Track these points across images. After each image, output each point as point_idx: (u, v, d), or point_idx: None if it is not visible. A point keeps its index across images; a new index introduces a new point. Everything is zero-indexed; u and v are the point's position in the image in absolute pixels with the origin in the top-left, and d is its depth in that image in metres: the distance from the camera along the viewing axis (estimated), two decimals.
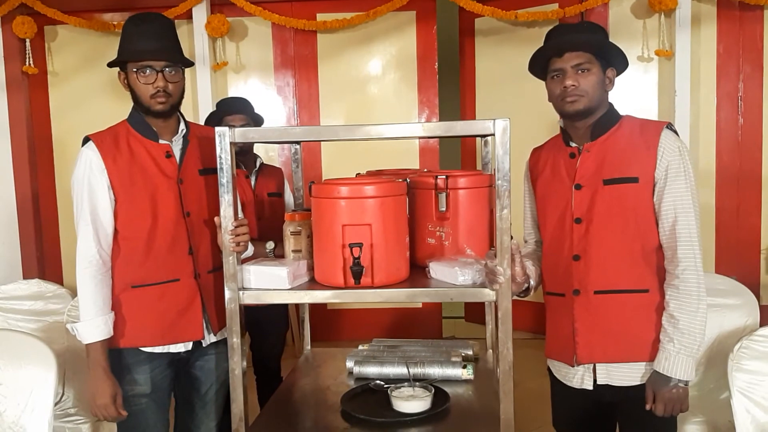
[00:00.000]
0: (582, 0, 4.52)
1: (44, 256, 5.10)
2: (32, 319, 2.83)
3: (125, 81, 2.03)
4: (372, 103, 4.97)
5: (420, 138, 4.35)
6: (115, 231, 2.01)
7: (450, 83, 5.49)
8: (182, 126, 2.11)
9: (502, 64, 5.01)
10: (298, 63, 4.97)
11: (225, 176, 1.81)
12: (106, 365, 1.98)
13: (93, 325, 1.96)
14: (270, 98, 4.98)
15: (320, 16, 4.85)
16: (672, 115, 4.40)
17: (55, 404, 2.56)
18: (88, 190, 1.98)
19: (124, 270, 2.03)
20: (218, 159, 1.80)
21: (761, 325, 2.62)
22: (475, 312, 5.38)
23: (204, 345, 2.14)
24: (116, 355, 2.03)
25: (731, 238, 4.59)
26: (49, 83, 5.01)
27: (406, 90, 4.93)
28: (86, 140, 2.02)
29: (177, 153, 2.08)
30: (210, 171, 2.14)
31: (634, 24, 4.56)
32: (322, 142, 4.84)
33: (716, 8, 4.47)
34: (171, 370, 2.12)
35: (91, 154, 1.99)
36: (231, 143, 1.80)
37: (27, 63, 4.85)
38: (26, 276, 4.97)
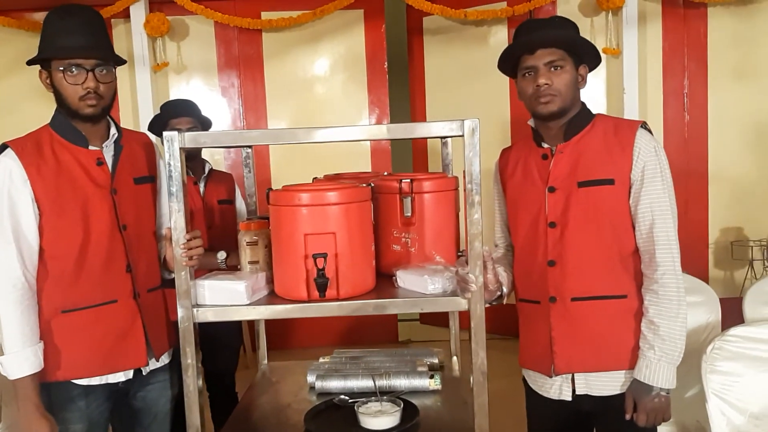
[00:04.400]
0: None
1: None
2: None
3: (48, 81, 1.83)
4: (321, 103, 4.85)
5: (387, 140, 4.27)
6: (41, 249, 1.80)
7: (399, 83, 5.42)
8: (113, 130, 1.92)
9: (451, 63, 4.97)
10: (243, 63, 4.82)
11: (175, 184, 1.67)
12: (38, 401, 1.77)
13: (21, 357, 1.73)
14: (214, 100, 4.81)
15: (265, 15, 4.72)
16: (621, 113, 4.44)
17: None
18: (8, 205, 1.75)
19: (53, 293, 1.81)
20: (167, 165, 1.66)
21: (722, 320, 2.62)
22: (430, 314, 5.32)
23: (144, 373, 1.96)
24: (47, 391, 1.81)
25: (680, 234, 4.61)
26: None
27: (355, 90, 4.84)
28: (3, 148, 1.80)
29: (109, 160, 1.89)
30: (146, 179, 1.98)
31: (582, 22, 4.57)
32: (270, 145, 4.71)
33: (661, 6, 4.53)
34: (109, 402, 1.92)
35: (10, 164, 1.76)
36: (181, 148, 1.66)
37: None
38: None
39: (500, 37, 4.79)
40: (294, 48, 4.80)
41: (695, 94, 4.60)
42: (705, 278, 4.61)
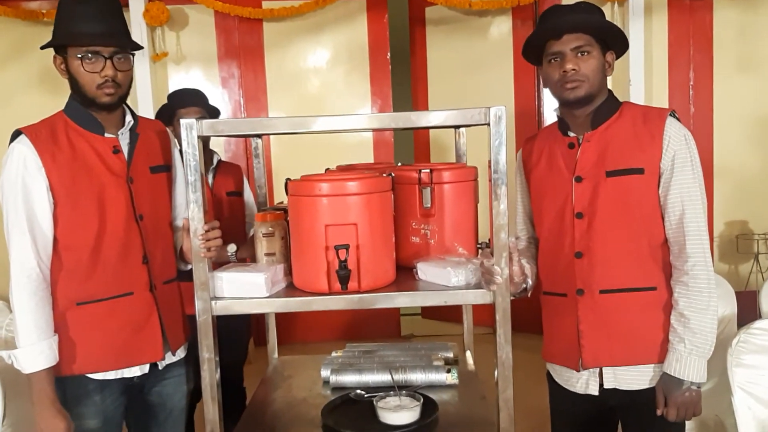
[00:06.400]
0: None
1: None
2: None
3: (63, 67, 1.77)
4: (322, 94, 4.80)
5: (391, 131, 4.21)
6: (55, 240, 1.74)
7: (400, 73, 5.37)
8: (129, 117, 1.87)
9: (454, 54, 4.92)
10: (244, 53, 4.75)
11: (193, 173, 1.62)
12: (54, 396, 1.72)
13: (36, 351, 1.68)
14: (214, 90, 4.73)
15: (266, 4, 4.64)
16: None
17: None
18: (22, 193, 1.69)
19: (67, 285, 1.75)
20: (185, 154, 1.61)
21: (738, 313, 2.59)
22: (432, 309, 5.29)
23: (161, 367, 1.91)
24: (61, 385, 1.76)
25: None
26: None
27: (357, 80, 4.78)
28: (17, 134, 1.73)
29: (125, 148, 1.83)
30: (162, 168, 1.93)
31: None
32: (271, 136, 4.65)
33: None
34: (124, 398, 1.87)
35: (25, 150, 1.70)
36: (199, 137, 1.61)
37: None
38: None
39: (504, 28, 4.74)
40: (295, 38, 4.74)
41: (700, 86, 4.56)
42: None
